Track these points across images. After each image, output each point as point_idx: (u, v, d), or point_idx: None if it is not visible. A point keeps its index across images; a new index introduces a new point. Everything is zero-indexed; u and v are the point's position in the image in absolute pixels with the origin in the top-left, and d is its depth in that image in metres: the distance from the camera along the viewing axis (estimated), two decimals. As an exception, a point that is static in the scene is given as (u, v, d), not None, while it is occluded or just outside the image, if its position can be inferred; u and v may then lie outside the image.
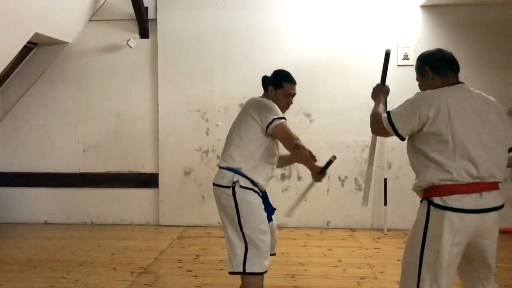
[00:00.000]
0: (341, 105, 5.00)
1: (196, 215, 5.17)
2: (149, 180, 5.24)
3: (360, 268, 3.76)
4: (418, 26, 4.92)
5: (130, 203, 5.28)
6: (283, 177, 5.07)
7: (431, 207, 2.01)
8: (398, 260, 3.93)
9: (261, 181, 2.62)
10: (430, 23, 4.89)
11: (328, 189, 5.05)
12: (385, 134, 2.19)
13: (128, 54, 5.19)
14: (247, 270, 2.59)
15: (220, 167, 2.66)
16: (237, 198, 2.54)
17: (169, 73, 5.16)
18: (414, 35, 4.92)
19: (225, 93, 5.12)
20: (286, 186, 5.08)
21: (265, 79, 2.82)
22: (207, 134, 5.16)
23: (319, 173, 2.54)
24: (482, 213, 1.96)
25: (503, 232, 4.65)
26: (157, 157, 5.22)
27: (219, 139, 5.13)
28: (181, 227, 5.07)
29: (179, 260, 3.94)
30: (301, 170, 5.02)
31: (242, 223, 2.55)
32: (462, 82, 2.14)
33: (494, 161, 1.98)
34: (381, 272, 3.65)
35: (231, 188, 2.55)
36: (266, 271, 2.64)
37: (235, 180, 2.55)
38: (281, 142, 2.62)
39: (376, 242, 4.53)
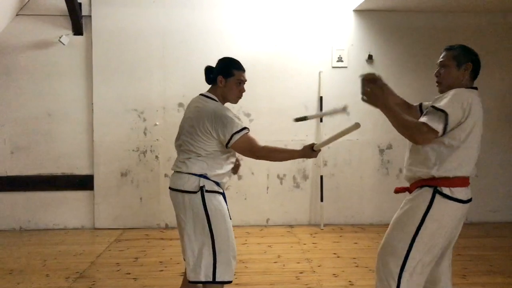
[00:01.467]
0: (280, 105, 5.11)
1: (134, 217, 5.06)
2: (83, 182, 5.05)
3: (298, 263, 3.87)
4: (352, 29, 5.14)
5: (64, 207, 5.06)
6: (223, 176, 5.08)
7: (437, 195, 2.14)
8: (334, 253, 4.13)
9: (224, 179, 2.58)
10: (363, 27, 5.14)
11: (267, 187, 5.14)
12: (433, 138, 2.12)
13: (61, 51, 4.97)
14: (218, 279, 2.44)
15: (180, 172, 2.50)
16: (207, 204, 2.42)
17: (105, 72, 5.00)
18: (348, 38, 5.14)
19: (163, 92, 5.05)
20: (226, 185, 5.09)
21: (210, 70, 2.62)
22: (145, 134, 5.07)
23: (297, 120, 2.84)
24: (469, 203, 2.23)
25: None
26: (92, 158, 5.04)
27: (157, 139, 5.06)
28: (118, 230, 4.94)
29: (117, 263, 3.84)
30: (241, 168, 5.06)
31: (214, 230, 2.42)
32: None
33: None
34: (319, 266, 3.79)
35: (199, 193, 2.42)
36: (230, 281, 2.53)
37: (201, 185, 2.42)
38: (244, 155, 2.56)
39: (314, 237, 4.68)
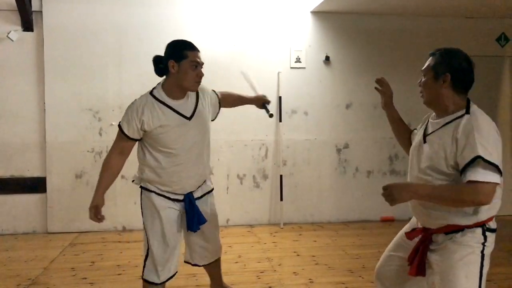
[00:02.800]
0: (239, 105, 5.10)
1: (89, 220, 4.81)
2: (35, 185, 4.83)
3: (259, 262, 3.88)
4: (309, 31, 5.22)
5: (13, 211, 4.82)
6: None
7: (487, 232, 1.88)
8: (294, 252, 4.17)
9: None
10: (320, 28, 5.22)
11: (227, 187, 5.12)
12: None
13: (9, 48, 4.74)
14: (144, 277, 2.46)
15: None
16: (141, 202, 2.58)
17: (57, 70, 4.81)
18: (305, 40, 5.21)
19: (119, 92, 4.92)
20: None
21: (159, 60, 2.40)
22: (100, 134, 4.92)
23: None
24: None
25: (384, 221, 5.16)
26: (44, 159, 4.84)
27: (113, 140, 4.90)
28: (73, 234, 4.77)
29: (73, 268, 3.70)
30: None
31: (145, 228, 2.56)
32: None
33: None
34: (279, 265, 3.81)
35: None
36: (162, 283, 2.47)
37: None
38: None
39: (274, 236, 4.71)
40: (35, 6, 4.75)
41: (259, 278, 3.51)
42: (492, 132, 1.81)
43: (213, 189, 2.71)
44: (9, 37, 4.62)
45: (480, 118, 1.83)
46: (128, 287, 3.30)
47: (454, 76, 1.88)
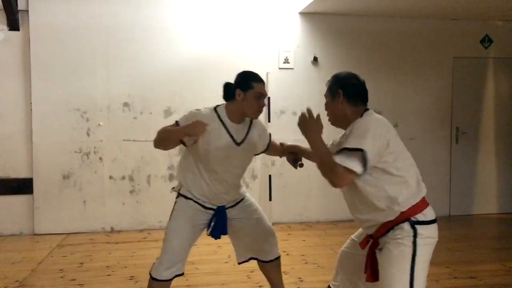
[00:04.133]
0: (227, 105, 5.11)
1: (77, 221, 4.86)
2: (21, 186, 4.78)
3: (249, 262, 3.88)
4: (297, 32, 5.25)
5: (-1, 212, 4.77)
6: (171, 177, 5.01)
7: (416, 226, 1.96)
8: (284, 251, 4.19)
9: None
10: (308, 29, 5.26)
11: (216, 188, 5.13)
12: (351, 179, 1.95)
13: (-6, 47, 4.69)
14: (153, 275, 2.47)
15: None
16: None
17: (44, 69, 4.77)
18: (294, 40, 5.25)
19: (107, 92, 4.90)
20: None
21: (229, 86, 2.51)
22: (88, 134, 4.89)
23: None
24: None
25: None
26: (31, 160, 4.79)
27: (101, 140, 4.90)
28: (61, 235, 4.73)
29: (61, 270, 3.67)
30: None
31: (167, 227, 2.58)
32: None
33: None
34: (269, 264, 3.83)
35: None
36: (164, 281, 2.47)
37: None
38: None
39: (263, 236, 4.72)
40: (21, 5, 4.71)
41: (249, 278, 3.53)
42: (371, 127, 1.97)
43: (244, 197, 2.78)
44: (-6, 37, 4.57)
45: (365, 118, 2.05)
46: (118, 288, 3.29)
47: (345, 91, 2.12)
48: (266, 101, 2.55)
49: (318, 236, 4.71)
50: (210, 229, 2.60)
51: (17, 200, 4.80)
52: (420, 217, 1.99)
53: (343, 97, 2.11)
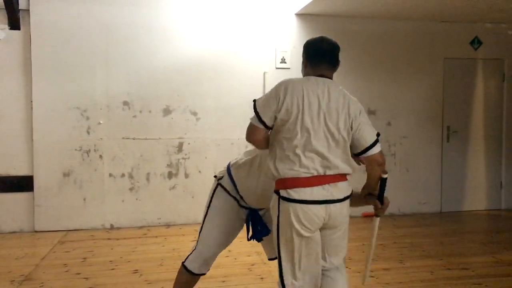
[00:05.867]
0: (226, 103, 5.21)
1: (77, 218, 4.92)
2: (22, 184, 4.82)
3: (249, 256, 4.00)
4: (294, 32, 5.37)
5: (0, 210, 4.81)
6: (170, 175, 5.09)
7: (280, 200, 2.02)
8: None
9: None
10: (304, 30, 5.38)
11: (214, 185, 5.22)
12: (259, 134, 2.08)
13: (-4, 46, 4.73)
14: (185, 263, 2.48)
15: None
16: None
17: (45, 68, 4.82)
18: (290, 41, 5.36)
19: (107, 90, 4.96)
20: (174, 184, 5.12)
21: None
22: (88, 133, 4.95)
23: (377, 204, 2.16)
24: (327, 204, 1.99)
25: (366, 216, 5.35)
26: (31, 158, 4.84)
27: (101, 138, 4.96)
28: (61, 232, 4.78)
29: (65, 264, 3.74)
30: (188, 167, 5.12)
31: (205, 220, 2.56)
32: (328, 77, 2.20)
33: (337, 156, 2.03)
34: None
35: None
36: (193, 273, 2.49)
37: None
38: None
39: (261, 232, 4.83)
40: (22, 4, 4.76)
41: (250, 271, 3.63)
42: (272, 89, 2.11)
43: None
44: (-5, 36, 4.62)
45: (286, 80, 2.13)
46: (124, 281, 3.36)
47: (304, 53, 2.26)
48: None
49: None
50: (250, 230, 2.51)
51: (18, 198, 4.84)
52: (282, 193, 2.01)
53: (306, 61, 2.24)
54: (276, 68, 5.32)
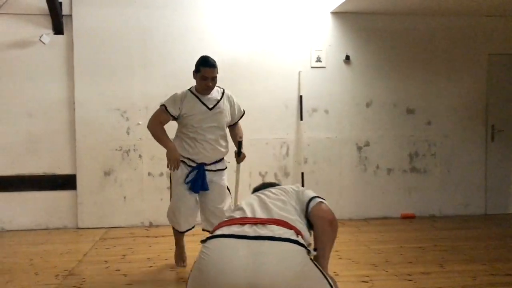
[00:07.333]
0: (260, 104, 5.22)
1: (117, 216, 5.07)
2: (66, 182, 5.03)
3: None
4: (329, 31, 5.31)
5: (46, 207, 5.02)
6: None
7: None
8: (318, 247, 4.25)
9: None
10: (340, 28, 5.32)
11: (250, 184, 5.23)
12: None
13: (41, 51, 4.95)
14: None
15: None
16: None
17: (86, 71, 5.00)
18: (326, 39, 5.31)
19: (145, 92, 5.09)
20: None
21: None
22: (128, 133, 5.09)
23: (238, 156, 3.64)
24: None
25: (404, 217, 5.23)
26: (75, 158, 5.03)
27: (140, 138, 5.09)
28: (102, 229, 4.95)
29: (105, 261, 3.86)
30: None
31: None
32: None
33: None
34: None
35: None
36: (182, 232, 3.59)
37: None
38: None
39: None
40: (65, 10, 4.95)
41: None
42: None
43: (226, 167, 3.67)
44: (41, 41, 4.83)
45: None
46: (160, 279, 3.43)
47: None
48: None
49: (351, 233, 4.76)
50: (189, 182, 3.42)
51: (62, 196, 5.05)
52: None
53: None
54: (311, 67, 5.29)
